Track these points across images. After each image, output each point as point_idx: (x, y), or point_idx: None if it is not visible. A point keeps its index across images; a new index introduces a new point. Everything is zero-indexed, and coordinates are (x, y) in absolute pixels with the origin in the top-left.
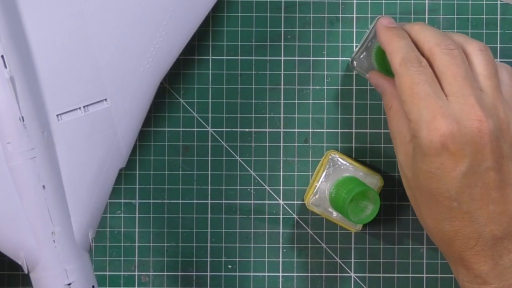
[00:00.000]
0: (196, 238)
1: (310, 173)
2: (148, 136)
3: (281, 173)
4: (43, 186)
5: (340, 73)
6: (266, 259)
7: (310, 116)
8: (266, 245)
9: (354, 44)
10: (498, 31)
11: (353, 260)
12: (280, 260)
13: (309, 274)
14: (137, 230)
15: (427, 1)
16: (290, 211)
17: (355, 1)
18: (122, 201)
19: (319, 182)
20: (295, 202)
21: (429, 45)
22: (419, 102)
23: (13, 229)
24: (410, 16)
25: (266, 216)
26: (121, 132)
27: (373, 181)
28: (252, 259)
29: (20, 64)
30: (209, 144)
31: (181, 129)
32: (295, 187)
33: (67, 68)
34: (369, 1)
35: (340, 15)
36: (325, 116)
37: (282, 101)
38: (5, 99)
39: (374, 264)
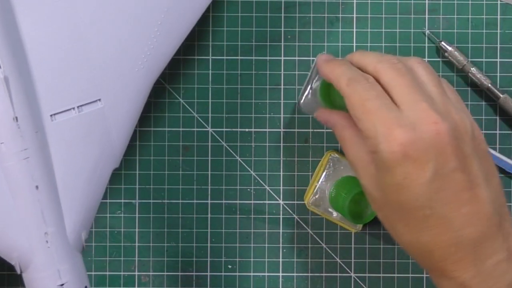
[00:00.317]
0: (196, 238)
1: (310, 173)
2: (148, 136)
3: (281, 173)
4: (37, 187)
5: None
6: (266, 259)
7: (310, 116)
8: (266, 245)
9: (354, 45)
10: (498, 31)
11: (353, 260)
12: (280, 260)
13: (309, 274)
14: (137, 230)
15: (427, 1)
16: (290, 211)
17: (355, 1)
18: (122, 201)
19: (319, 182)
20: (295, 202)
21: (373, 65)
22: (372, 117)
23: (6, 229)
24: (410, 16)
25: (266, 216)
26: (115, 132)
27: None
28: (252, 259)
29: (15, 64)
30: (209, 144)
31: (181, 129)
32: (295, 187)
33: (61, 68)
34: (369, 1)
35: (340, 15)
36: None
37: (282, 101)
38: None
39: (374, 264)
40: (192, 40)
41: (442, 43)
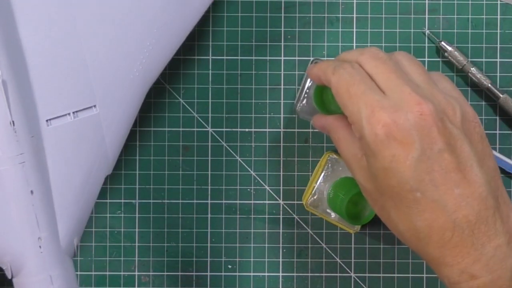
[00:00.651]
0: (196, 238)
1: (310, 173)
2: (148, 136)
3: (281, 173)
4: (31, 191)
5: None
6: (266, 259)
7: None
8: (266, 245)
9: (354, 45)
10: (498, 31)
11: (353, 260)
12: (280, 260)
13: (309, 274)
14: (137, 230)
15: (427, 1)
16: (290, 211)
17: (355, 1)
18: (122, 201)
19: (318, 183)
20: (295, 202)
21: (355, 58)
22: (357, 100)
23: None
24: (410, 16)
25: (266, 216)
26: (109, 139)
27: None
28: (252, 259)
29: (12, 68)
30: (209, 144)
31: (181, 129)
32: (295, 187)
33: (58, 74)
34: (369, 1)
35: (340, 15)
36: None
37: (282, 101)
38: None
39: (374, 264)
40: (192, 40)
41: (442, 43)
